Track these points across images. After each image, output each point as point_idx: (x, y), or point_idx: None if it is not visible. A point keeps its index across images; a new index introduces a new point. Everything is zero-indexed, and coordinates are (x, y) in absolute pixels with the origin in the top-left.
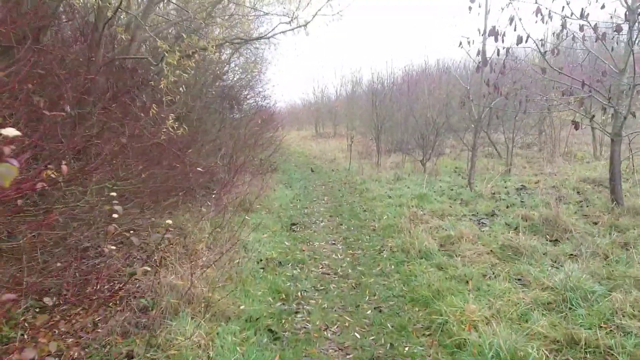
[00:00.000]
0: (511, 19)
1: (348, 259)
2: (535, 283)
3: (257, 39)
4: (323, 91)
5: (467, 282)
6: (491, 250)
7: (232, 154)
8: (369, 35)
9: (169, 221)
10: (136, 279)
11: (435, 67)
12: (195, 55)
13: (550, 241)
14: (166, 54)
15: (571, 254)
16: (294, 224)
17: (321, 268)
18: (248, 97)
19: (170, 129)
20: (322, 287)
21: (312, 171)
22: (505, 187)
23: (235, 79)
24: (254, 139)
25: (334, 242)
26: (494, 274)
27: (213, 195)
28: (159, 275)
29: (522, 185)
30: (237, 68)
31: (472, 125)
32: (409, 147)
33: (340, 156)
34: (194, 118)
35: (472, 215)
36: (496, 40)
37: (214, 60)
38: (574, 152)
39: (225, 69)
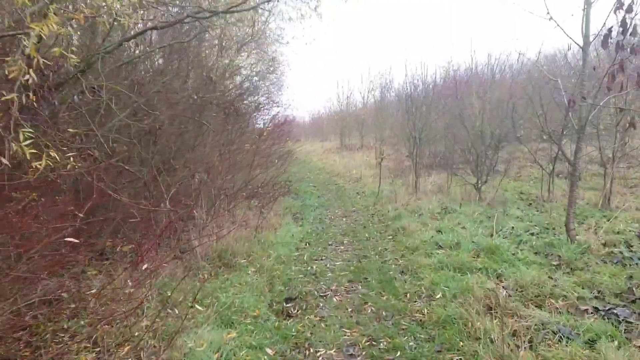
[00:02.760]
0: None
1: None
2: None
3: (230, 11)
4: (349, 98)
5: None
6: None
7: (214, 181)
8: (399, 30)
9: None
10: None
11: (486, 65)
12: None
13: None
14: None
15: None
16: (290, 299)
17: None
18: (257, 104)
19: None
20: None
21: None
22: (617, 232)
23: (238, 82)
24: (253, 157)
25: (352, 350)
26: None
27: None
28: None
29: None
30: (242, 70)
31: (545, 137)
32: (454, 164)
33: (367, 174)
34: (172, 132)
35: (595, 298)
36: None
37: (204, 58)
38: None
39: (227, 73)
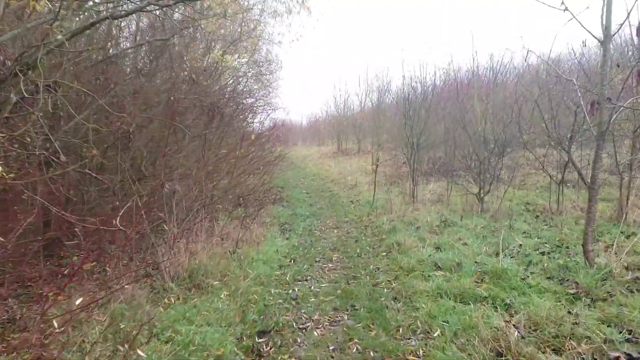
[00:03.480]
0: None
1: None
2: None
3: None
4: (345, 101)
5: None
6: None
7: (192, 190)
8: (396, 29)
9: None
10: None
11: (488, 67)
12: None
13: None
14: None
15: None
16: (263, 333)
17: None
18: (243, 106)
19: None
20: None
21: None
22: None
23: (228, 82)
24: (235, 163)
25: None
26: None
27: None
28: None
29: None
30: (233, 70)
31: (552, 143)
32: (454, 171)
33: (363, 181)
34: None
35: (627, 341)
36: None
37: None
38: None
39: (214, 73)
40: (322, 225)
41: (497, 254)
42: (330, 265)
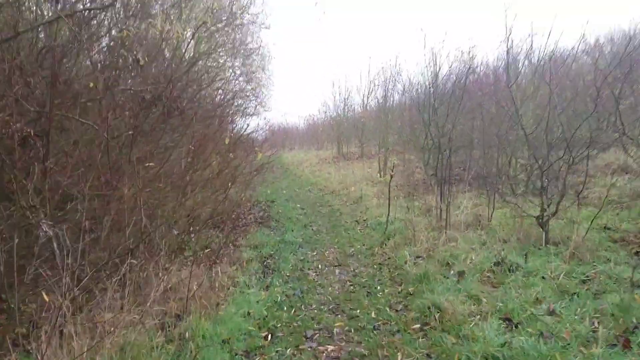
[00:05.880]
0: None
1: None
2: None
3: None
4: (346, 100)
5: None
6: None
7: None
8: (407, 8)
9: None
10: None
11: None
12: None
13: None
14: None
15: None
16: None
17: None
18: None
19: None
20: None
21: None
22: None
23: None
24: (185, 181)
25: None
26: None
27: None
28: None
29: None
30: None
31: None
32: (494, 182)
33: (369, 192)
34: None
35: None
36: None
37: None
38: None
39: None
40: (318, 261)
41: (627, 340)
42: (330, 347)
